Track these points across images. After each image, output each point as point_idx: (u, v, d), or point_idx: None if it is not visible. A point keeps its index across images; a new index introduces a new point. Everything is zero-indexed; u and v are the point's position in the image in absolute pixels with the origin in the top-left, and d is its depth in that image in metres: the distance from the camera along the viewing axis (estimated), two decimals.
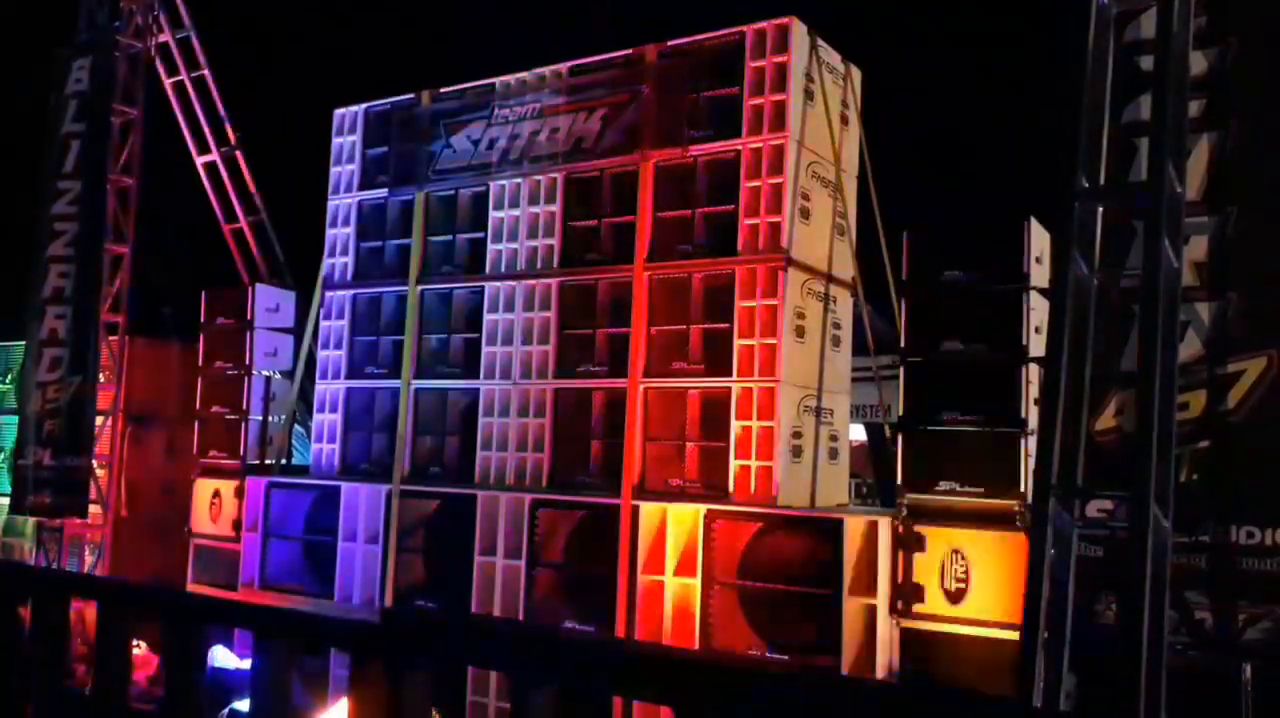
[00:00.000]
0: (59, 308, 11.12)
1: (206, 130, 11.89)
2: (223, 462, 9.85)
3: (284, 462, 9.92)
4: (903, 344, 6.98)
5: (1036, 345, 6.54)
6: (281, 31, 15.55)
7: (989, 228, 6.84)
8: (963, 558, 6.55)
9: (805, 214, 7.46)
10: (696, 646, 6.96)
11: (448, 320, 8.64)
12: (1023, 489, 6.40)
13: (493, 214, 8.45)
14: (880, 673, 6.64)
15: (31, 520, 11.43)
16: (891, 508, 7.02)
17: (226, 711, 7.71)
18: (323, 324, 9.35)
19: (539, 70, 8.31)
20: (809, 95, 7.53)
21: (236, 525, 9.38)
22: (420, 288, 8.74)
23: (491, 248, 8.43)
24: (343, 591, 8.53)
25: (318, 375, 9.33)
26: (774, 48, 7.38)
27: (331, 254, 9.34)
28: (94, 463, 11.09)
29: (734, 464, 7.20)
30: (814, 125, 7.57)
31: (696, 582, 7.06)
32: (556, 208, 8.16)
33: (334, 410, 9.14)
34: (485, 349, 8.34)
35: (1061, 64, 5.62)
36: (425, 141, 8.80)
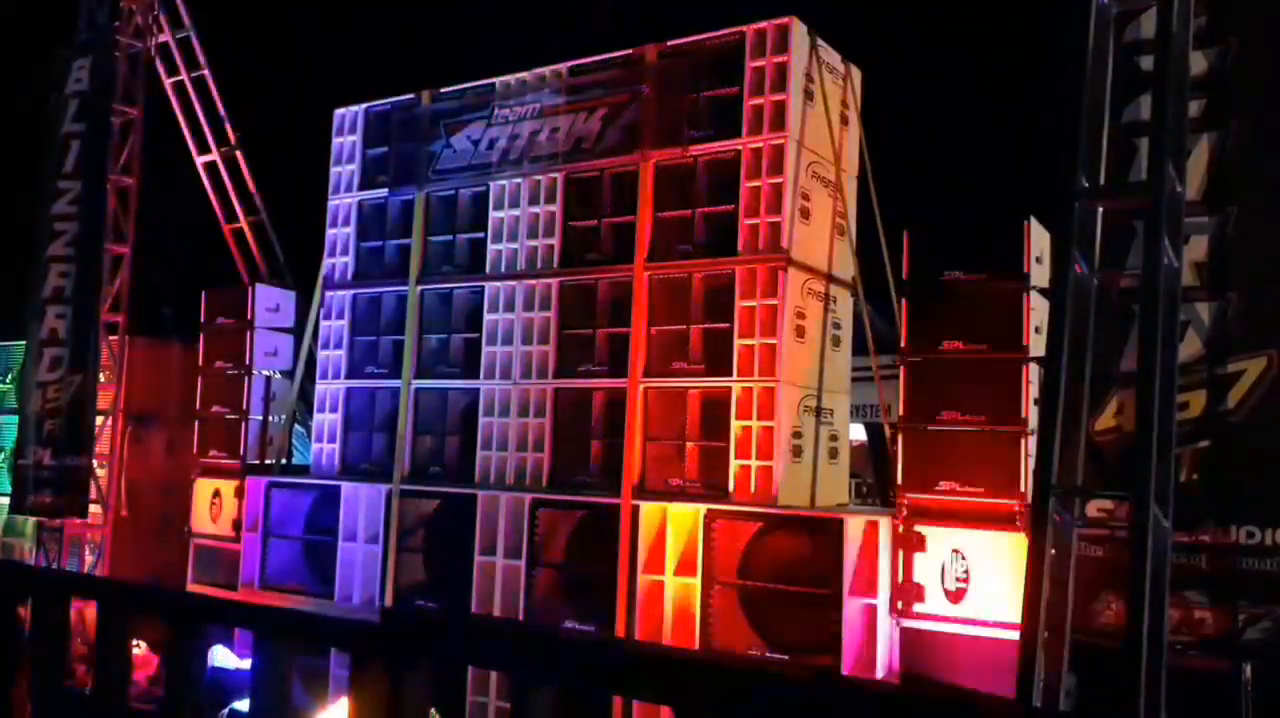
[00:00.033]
0: (59, 308, 11.12)
1: (206, 130, 11.89)
2: (223, 462, 9.85)
3: (284, 462, 9.92)
4: (903, 344, 6.98)
5: (1036, 345, 6.54)
6: (281, 31, 15.52)
7: (989, 228, 6.85)
8: (963, 558, 6.55)
9: (805, 214, 7.46)
10: (696, 645, 6.96)
11: (448, 320, 8.64)
12: (1023, 489, 6.40)
13: (493, 214, 8.45)
14: (880, 673, 6.64)
15: (31, 520, 11.43)
16: (891, 508, 7.02)
17: (226, 711, 7.72)
18: (323, 324, 9.34)
19: (539, 70, 8.31)
20: (809, 95, 7.53)
21: (236, 525, 9.38)
22: (420, 288, 8.74)
23: (491, 248, 8.43)
24: (343, 591, 8.53)
25: (318, 375, 9.32)
26: (774, 48, 7.38)
27: (331, 254, 9.34)
28: (94, 463, 11.09)
29: (734, 464, 7.20)
30: (814, 125, 7.57)
31: (696, 582, 7.06)
32: (556, 208, 8.15)
33: (334, 410, 9.14)
34: (485, 349, 8.34)
35: (1061, 64, 5.61)
36: (425, 142, 8.80)
